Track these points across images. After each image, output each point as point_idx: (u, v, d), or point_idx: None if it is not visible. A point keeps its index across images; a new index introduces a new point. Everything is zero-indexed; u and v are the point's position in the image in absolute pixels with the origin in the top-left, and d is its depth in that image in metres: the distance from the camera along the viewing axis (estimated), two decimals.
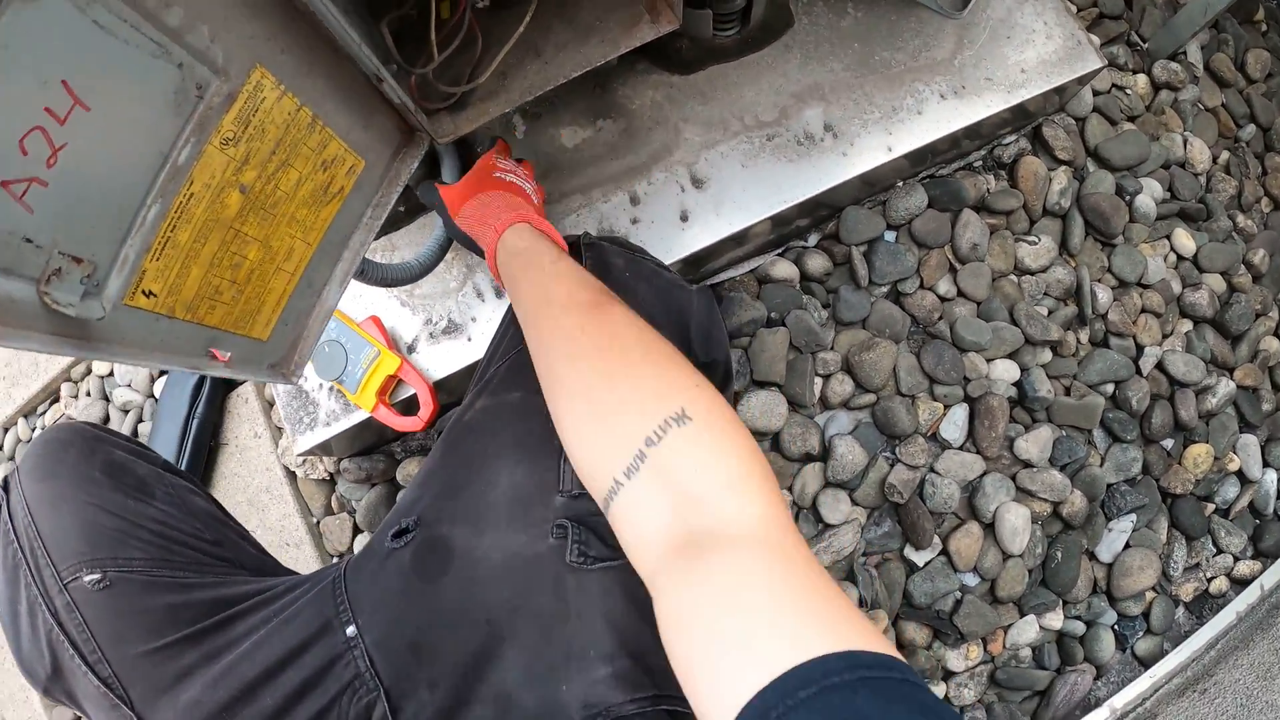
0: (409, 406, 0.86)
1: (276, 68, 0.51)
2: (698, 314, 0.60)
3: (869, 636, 0.31)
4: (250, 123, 0.50)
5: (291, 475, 1.07)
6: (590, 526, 0.51)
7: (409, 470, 0.98)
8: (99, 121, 0.39)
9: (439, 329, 0.86)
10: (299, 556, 1.04)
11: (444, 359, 0.85)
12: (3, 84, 0.34)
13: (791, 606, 0.32)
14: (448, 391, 0.90)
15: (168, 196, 0.45)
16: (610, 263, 0.61)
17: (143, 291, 0.46)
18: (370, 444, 1.00)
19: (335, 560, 1.05)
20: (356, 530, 1.03)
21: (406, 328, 0.86)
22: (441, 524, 0.55)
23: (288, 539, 1.05)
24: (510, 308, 0.64)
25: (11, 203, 0.36)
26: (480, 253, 0.64)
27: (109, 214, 0.42)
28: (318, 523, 1.05)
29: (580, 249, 0.62)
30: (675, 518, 0.38)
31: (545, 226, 0.61)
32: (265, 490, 1.06)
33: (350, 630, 0.54)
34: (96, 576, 0.58)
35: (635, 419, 0.41)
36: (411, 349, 0.86)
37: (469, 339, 0.85)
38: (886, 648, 0.30)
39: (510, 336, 0.61)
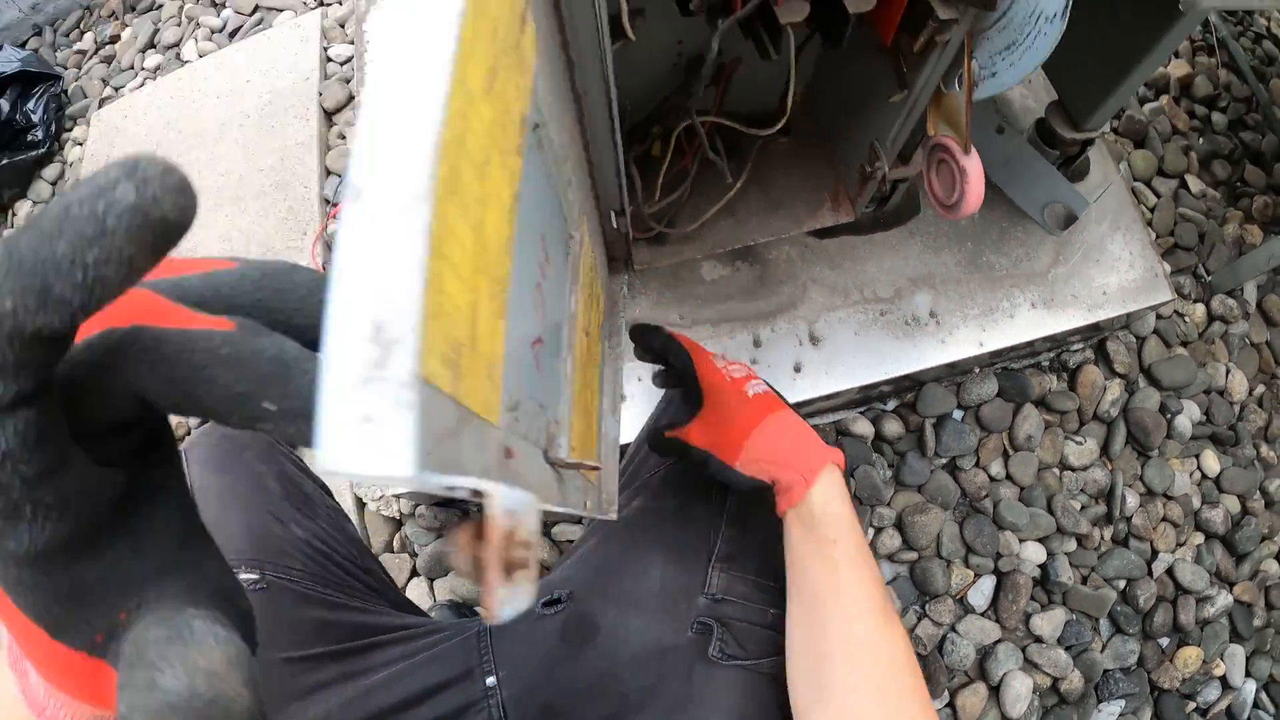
0: None
1: (587, 216, 0.56)
2: None
3: None
4: (580, 269, 0.53)
5: (361, 504, 1.13)
6: (730, 628, 0.57)
7: None
8: (552, 276, 0.39)
9: None
10: None
11: None
12: (529, 237, 0.32)
13: None
14: None
15: (570, 347, 0.46)
16: None
17: (571, 447, 0.44)
18: (450, 497, 1.06)
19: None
20: (414, 574, 1.09)
21: None
22: (593, 601, 0.60)
23: None
24: (662, 404, 0.69)
25: (533, 364, 0.33)
26: (750, 487, 0.54)
27: (556, 370, 0.41)
28: (376, 558, 1.11)
29: None
30: None
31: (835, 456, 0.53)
32: None
33: (490, 680, 0.58)
34: (254, 576, 0.57)
35: None
36: None
37: None
38: None
39: None
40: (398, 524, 1.12)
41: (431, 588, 1.09)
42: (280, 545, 0.60)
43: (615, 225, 0.70)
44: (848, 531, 0.50)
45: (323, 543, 0.64)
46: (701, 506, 0.62)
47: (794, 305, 0.96)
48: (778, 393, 0.60)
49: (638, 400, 0.93)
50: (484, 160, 0.26)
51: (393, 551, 1.11)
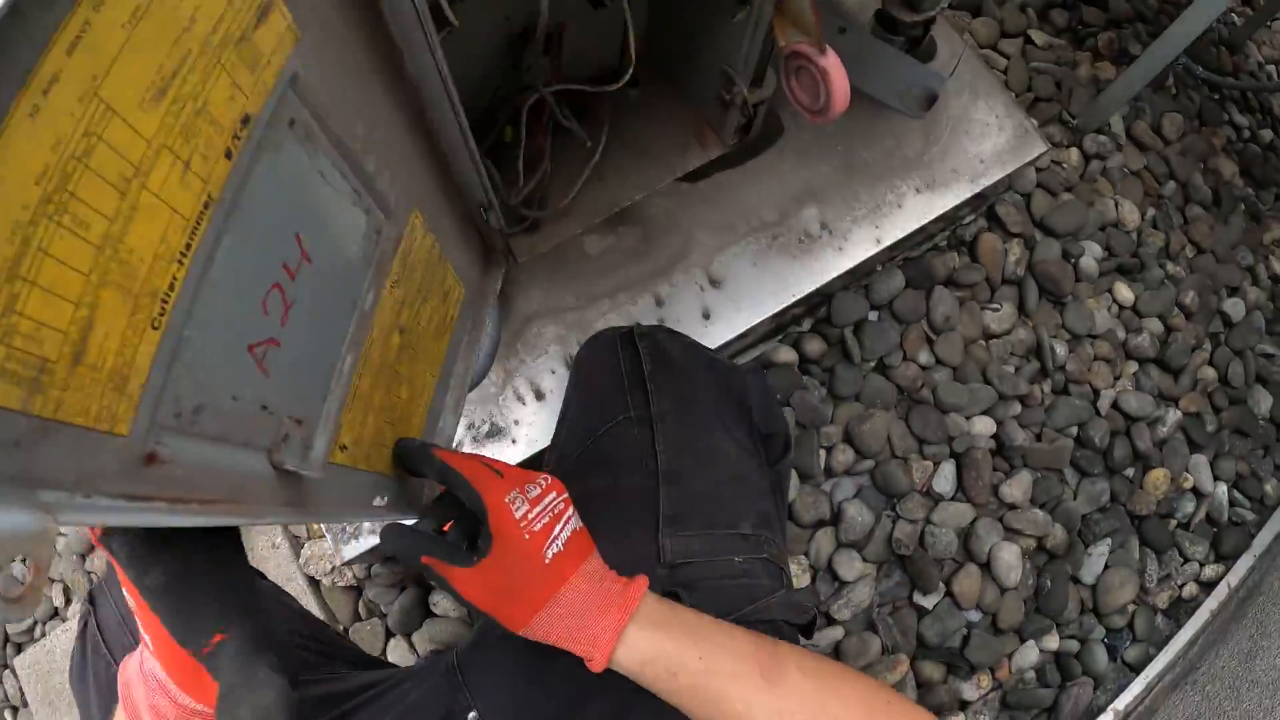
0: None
1: (425, 208, 0.54)
2: (757, 393, 0.65)
3: None
4: (407, 263, 0.51)
5: (315, 584, 1.07)
6: (698, 590, 0.54)
7: None
8: (317, 274, 0.38)
9: (483, 433, 0.89)
10: None
11: None
12: (254, 239, 0.32)
13: None
14: None
15: (357, 345, 0.44)
16: (667, 349, 0.63)
17: (339, 446, 0.43)
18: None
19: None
20: (389, 634, 1.04)
21: None
22: None
23: None
24: (567, 398, 0.67)
25: (253, 368, 0.33)
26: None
27: (318, 369, 0.41)
28: (347, 630, 1.06)
29: (635, 340, 0.64)
30: None
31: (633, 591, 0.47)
32: None
33: (472, 715, 0.55)
34: None
35: None
36: None
37: (513, 441, 0.89)
38: None
39: (583, 426, 0.63)
40: (358, 591, 1.06)
41: (411, 643, 1.04)
42: None
43: (488, 220, 0.67)
44: (679, 658, 0.45)
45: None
46: (632, 475, 0.59)
47: (685, 255, 0.94)
48: (574, 524, 0.49)
49: (555, 397, 0.90)
50: (130, 175, 0.25)
51: (361, 619, 1.06)
